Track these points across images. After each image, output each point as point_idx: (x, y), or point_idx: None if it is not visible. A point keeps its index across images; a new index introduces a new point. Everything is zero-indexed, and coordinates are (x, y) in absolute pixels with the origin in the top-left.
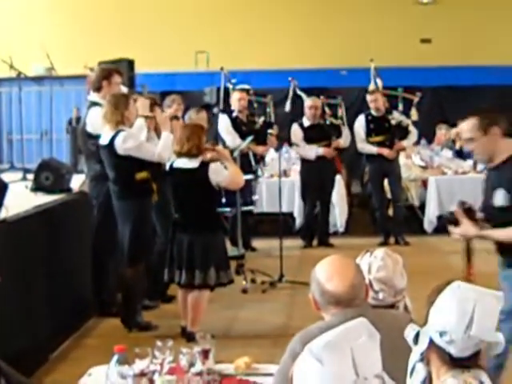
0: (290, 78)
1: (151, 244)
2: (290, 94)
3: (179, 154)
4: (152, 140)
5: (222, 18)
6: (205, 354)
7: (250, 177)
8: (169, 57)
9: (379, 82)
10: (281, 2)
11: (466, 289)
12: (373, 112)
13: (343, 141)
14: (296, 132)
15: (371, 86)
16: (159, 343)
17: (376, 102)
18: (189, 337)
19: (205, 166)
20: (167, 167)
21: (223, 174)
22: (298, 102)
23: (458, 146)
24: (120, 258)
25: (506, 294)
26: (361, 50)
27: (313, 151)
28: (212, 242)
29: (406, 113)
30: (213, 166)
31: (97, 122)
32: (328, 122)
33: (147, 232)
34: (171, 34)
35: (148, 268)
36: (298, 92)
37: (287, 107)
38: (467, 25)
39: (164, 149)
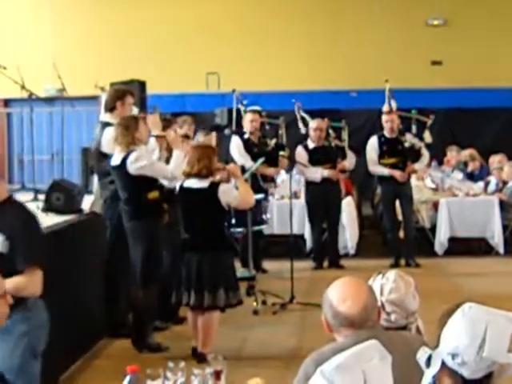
0: (293, 100)
1: (162, 265)
2: (298, 116)
3: (189, 175)
4: (163, 159)
5: (232, 39)
6: (217, 375)
7: (259, 196)
8: (180, 78)
9: (393, 104)
10: (292, 24)
11: (477, 310)
12: (386, 133)
13: (348, 163)
14: (301, 154)
15: (385, 107)
16: (171, 364)
17: (392, 123)
18: (200, 358)
19: (214, 186)
20: (177, 188)
21: (233, 195)
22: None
23: (469, 169)
24: (131, 278)
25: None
26: (371, 71)
27: (318, 173)
28: (221, 262)
29: (419, 135)
30: (222, 188)
31: (112, 142)
32: (333, 144)
33: (159, 253)
34: (182, 56)
35: (159, 289)
36: (302, 114)
37: (302, 130)
38: (478, 47)
39: (176, 167)
